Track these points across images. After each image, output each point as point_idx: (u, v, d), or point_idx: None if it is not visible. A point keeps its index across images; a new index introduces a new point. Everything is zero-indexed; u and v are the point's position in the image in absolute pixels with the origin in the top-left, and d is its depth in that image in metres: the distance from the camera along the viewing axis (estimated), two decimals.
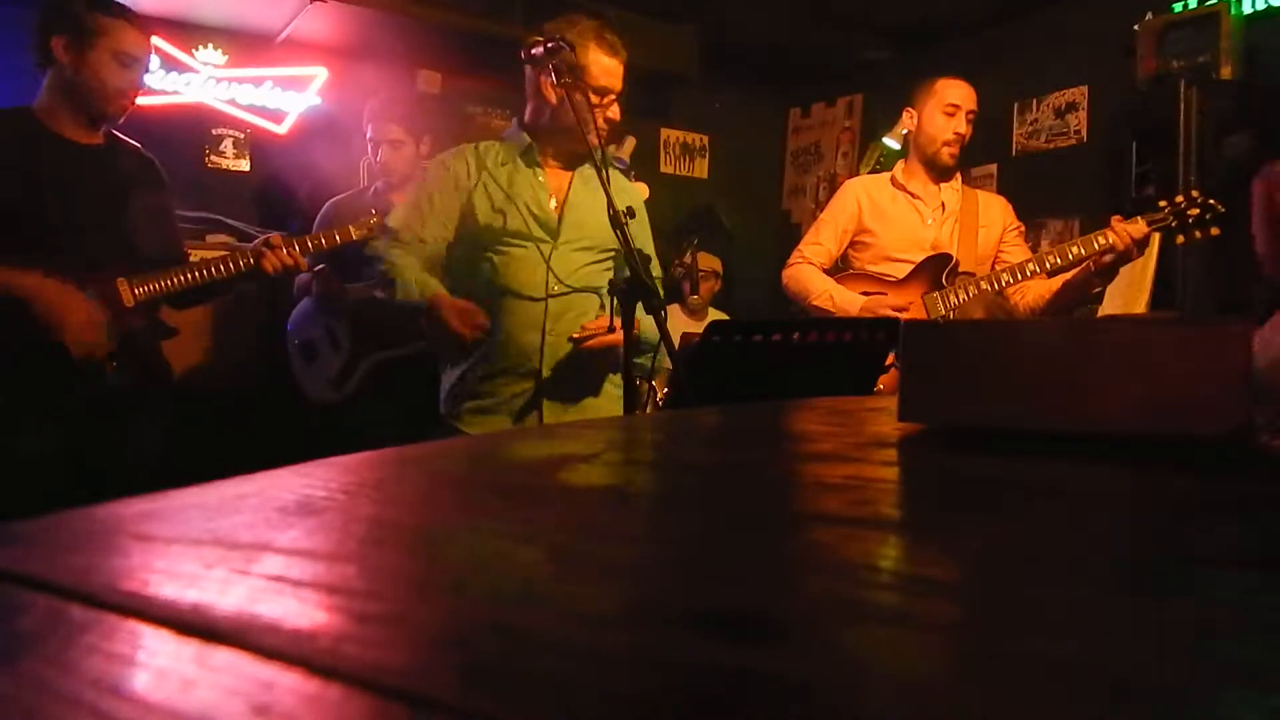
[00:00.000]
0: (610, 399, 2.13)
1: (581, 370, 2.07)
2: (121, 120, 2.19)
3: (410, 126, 2.90)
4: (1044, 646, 0.21)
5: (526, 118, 2.13)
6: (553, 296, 2.04)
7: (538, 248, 2.04)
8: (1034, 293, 2.55)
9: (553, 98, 1.99)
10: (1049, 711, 0.18)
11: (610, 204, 1.76)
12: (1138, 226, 2.33)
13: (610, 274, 2.13)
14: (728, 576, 0.28)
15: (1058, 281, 2.50)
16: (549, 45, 1.85)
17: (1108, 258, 2.35)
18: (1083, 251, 2.38)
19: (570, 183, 2.11)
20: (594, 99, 1.96)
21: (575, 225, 2.07)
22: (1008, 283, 2.47)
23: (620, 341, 1.99)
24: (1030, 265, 2.47)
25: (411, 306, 2.04)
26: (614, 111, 2.06)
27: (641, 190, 2.54)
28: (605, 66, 2.00)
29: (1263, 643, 0.22)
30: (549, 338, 2.03)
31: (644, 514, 0.39)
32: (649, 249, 2.04)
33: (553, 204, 2.08)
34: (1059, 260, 2.43)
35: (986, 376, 0.55)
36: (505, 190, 2.05)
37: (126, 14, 2.13)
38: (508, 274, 2.03)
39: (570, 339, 2.04)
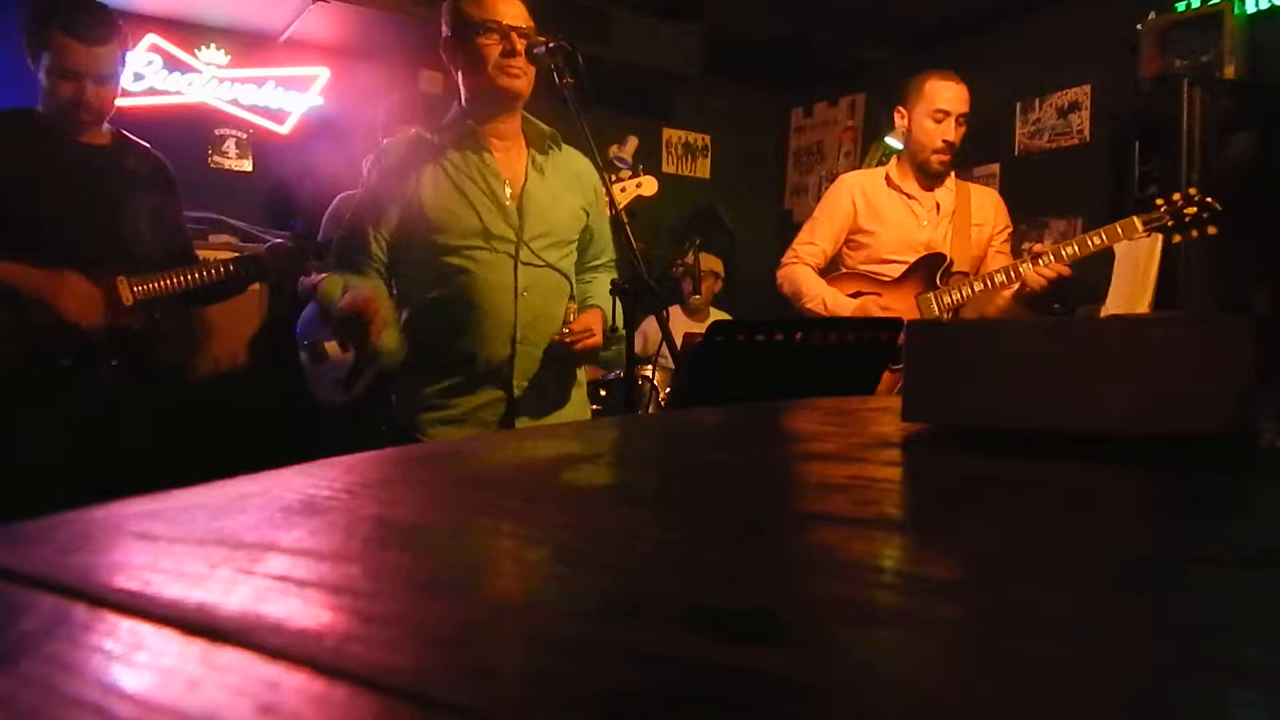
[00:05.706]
0: (577, 406, 2.02)
1: (553, 377, 1.94)
2: (103, 125, 2.19)
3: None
4: (1044, 646, 0.21)
5: (463, 99, 1.90)
6: (522, 300, 1.86)
7: (502, 249, 1.85)
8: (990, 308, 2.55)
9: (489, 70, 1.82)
10: (1049, 711, 0.18)
11: (612, 204, 1.75)
12: (1130, 225, 2.33)
13: (572, 259, 1.99)
14: (730, 576, 0.28)
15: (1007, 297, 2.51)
16: (550, 45, 1.85)
17: (1026, 290, 2.40)
18: (1078, 250, 2.38)
19: (526, 170, 1.91)
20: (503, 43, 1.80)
21: (538, 218, 1.88)
22: (1001, 283, 2.46)
23: (599, 344, 1.92)
24: (1024, 266, 2.46)
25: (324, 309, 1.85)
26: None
27: (650, 184, 2.53)
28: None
29: (1263, 643, 0.22)
30: (520, 347, 1.86)
31: (647, 514, 0.39)
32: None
33: (508, 193, 1.87)
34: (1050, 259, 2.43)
35: (989, 376, 0.55)
36: (456, 183, 1.85)
37: (69, 28, 2.05)
38: (472, 282, 1.83)
39: (552, 343, 1.89)
